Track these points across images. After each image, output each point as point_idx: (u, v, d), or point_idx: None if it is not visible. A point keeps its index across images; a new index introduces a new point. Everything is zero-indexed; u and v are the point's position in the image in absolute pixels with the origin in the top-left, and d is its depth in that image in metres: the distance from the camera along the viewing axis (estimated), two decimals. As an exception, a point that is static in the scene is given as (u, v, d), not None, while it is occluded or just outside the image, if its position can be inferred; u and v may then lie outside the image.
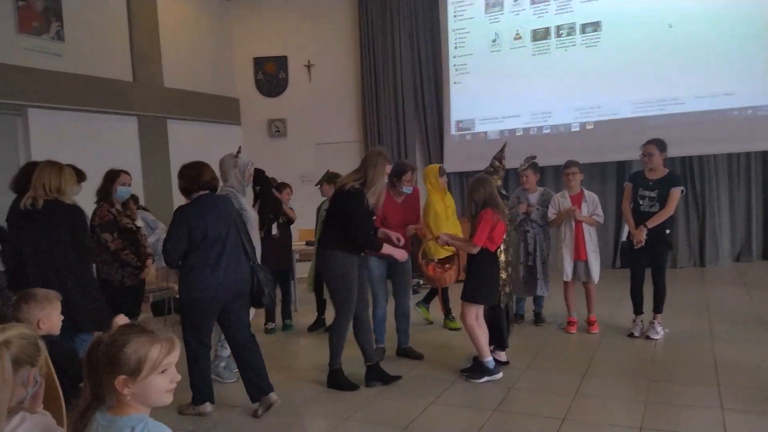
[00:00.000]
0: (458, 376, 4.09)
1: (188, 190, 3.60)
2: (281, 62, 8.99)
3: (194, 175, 3.57)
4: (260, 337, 5.59)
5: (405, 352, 4.63)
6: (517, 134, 7.90)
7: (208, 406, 3.61)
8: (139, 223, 4.68)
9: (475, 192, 3.99)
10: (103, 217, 4.28)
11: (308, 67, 8.92)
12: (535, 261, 5.18)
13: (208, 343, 3.63)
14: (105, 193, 4.38)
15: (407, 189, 4.55)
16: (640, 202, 4.69)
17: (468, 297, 4.04)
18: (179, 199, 4.45)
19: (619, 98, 7.41)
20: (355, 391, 3.93)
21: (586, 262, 4.95)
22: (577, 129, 7.68)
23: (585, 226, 4.96)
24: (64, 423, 2.06)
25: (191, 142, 7.84)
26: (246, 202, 4.25)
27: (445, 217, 5.03)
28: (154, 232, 5.72)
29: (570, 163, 5.08)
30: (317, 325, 5.65)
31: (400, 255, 4.07)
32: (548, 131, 7.82)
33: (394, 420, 3.45)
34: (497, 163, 4.58)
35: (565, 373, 4.06)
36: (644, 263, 4.74)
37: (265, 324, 5.70)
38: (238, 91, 8.99)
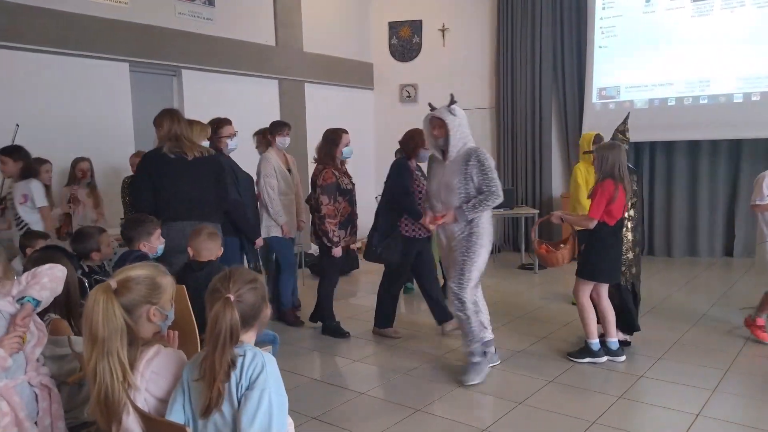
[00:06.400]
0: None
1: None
2: (416, 26, 8.88)
3: None
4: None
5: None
6: (669, 104, 7.19)
7: None
8: None
9: (601, 160, 3.65)
10: (326, 180, 4.24)
11: (442, 31, 8.73)
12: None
13: None
14: (328, 154, 4.29)
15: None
16: None
17: (581, 273, 3.81)
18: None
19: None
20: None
21: None
22: (740, 100, 6.82)
23: None
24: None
25: (326, 105, 8.06)
26: None
27: (585, 190, 4.74)
28: None
29: None
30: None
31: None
32: (705, 101, 7.02)
33: (509, 395, 3.37)
34: (620, 135, 4.18)
35: (704, 367, 3.69)
36: None
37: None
38: (372, 56, 9.05)
